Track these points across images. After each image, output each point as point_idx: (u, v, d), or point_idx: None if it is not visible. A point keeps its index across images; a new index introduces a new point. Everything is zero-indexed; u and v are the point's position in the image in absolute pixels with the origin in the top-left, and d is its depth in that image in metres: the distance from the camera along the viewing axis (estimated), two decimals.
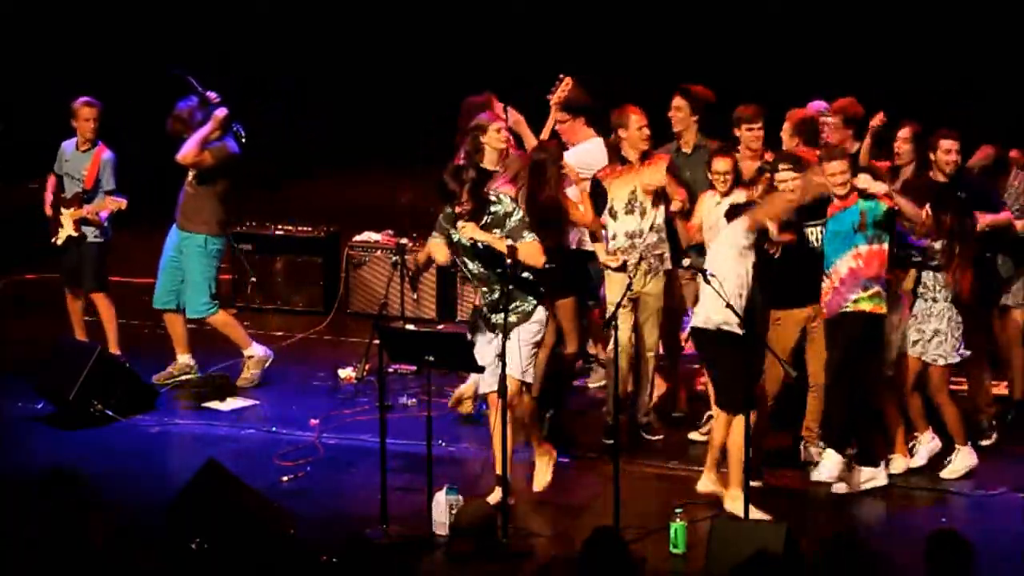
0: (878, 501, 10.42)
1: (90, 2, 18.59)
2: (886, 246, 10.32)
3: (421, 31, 18.73)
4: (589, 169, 11.34)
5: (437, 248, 10.21)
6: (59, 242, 12.62)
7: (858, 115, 11.51)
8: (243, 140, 12.34)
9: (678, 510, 9.66)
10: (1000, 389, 11.61)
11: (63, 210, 12.54)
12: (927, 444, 10.85)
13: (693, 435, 11.38)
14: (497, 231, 9.94)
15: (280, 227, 14.05)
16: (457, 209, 9.88)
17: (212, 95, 12.34)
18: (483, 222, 9.94)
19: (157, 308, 12.62)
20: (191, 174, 12.37)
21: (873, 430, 10.57)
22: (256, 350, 12.57)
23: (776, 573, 8.25)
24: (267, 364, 12.61)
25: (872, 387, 10.53)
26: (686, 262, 10.44)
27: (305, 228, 14.37)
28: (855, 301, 10.28)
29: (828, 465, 10.39)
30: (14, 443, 11.37)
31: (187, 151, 12.16)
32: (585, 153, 11.54)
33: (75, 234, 12.53)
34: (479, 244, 9.93)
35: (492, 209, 9.98)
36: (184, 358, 12.68)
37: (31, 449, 11.30)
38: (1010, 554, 9.39)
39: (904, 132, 11.18)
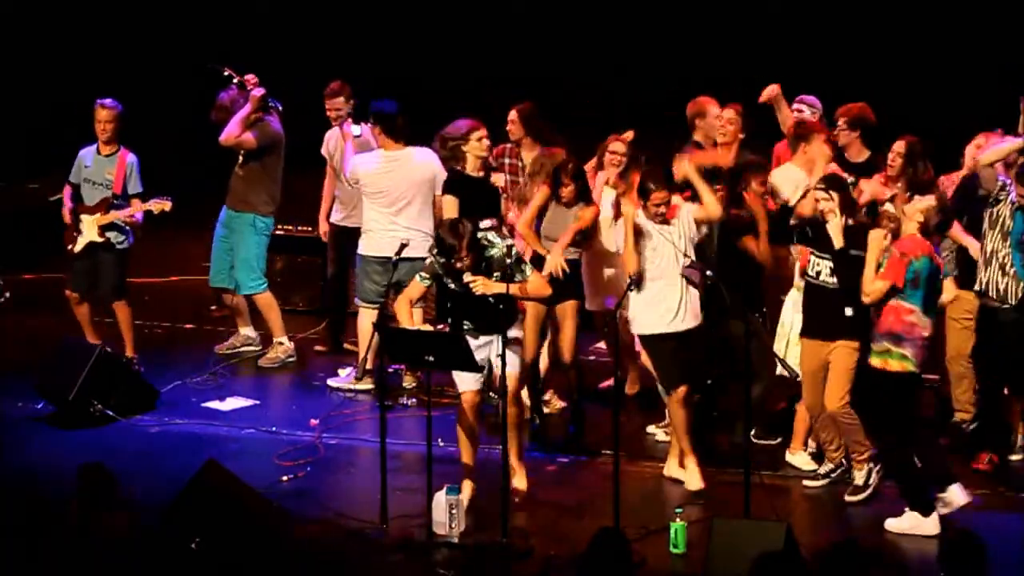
0: (878, 502, 10.41)
1: (89, 3, 18.59)
2: None
3: (421, 31, 18.73)
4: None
5: (415, 290, 10.31)
6: (77, 250, 12.60)
7: (868, 120, 11.50)
8: (280, 111, 12.71)
9: (678, 510, 9.67)
10: None
11: (83, 217, 12.53)
12: None
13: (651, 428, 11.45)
14: (497, 275, 10.02)
15: (280, 227, 14.02)
16: (458, 264, 9.94)
17: (250, 78, 12.66)
18: (481, 267, 10.02)
19: (213, 287, 13.16)
20: (240, 157, 12.68)
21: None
22: (286, 341, 12.97)
23: (776, 573, 8.25)
24: (289, 358, 12.94)
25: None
26: (687, 262, 10.45)
27: (305, 228, 14.34)
28: None
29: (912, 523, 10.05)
30: (14, 443, 11.37)
31: (228, 133, 12.55)
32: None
33: (99, 240, 12.51)
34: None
35: (488, 254, 10.06)
36: (246, 330, 13.13)
37: (31, 449, 11.30)
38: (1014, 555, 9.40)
39: (899, 145, 11.04)
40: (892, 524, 9.95)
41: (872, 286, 9.92)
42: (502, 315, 9.97)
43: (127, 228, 12.54)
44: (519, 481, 10.40)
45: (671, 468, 10.69)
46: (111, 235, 12.51)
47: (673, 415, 10.58)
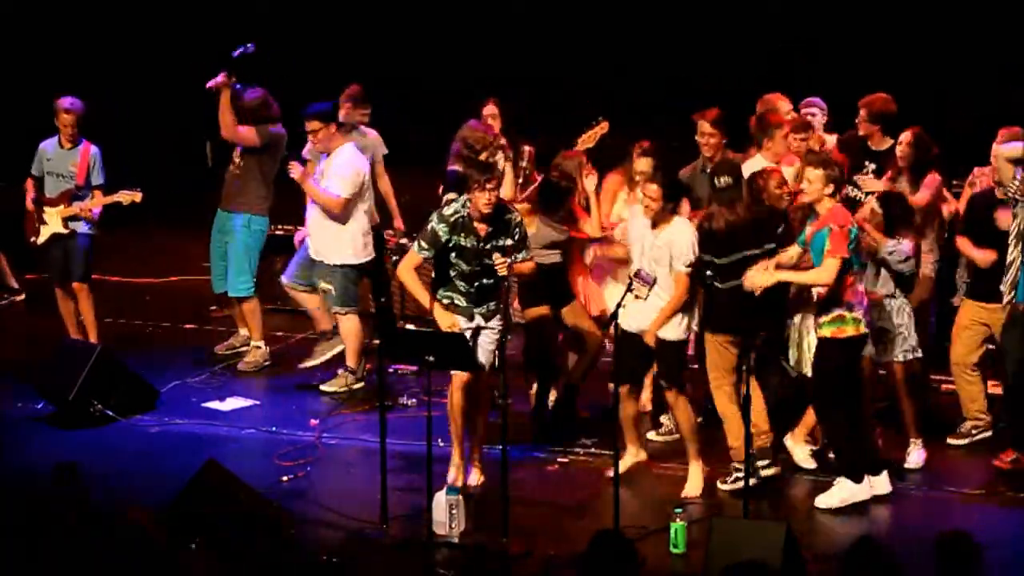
0: (879, 501, 10.40)
1: (90, 3, 18.60)
2: None
3: (420, 31, 18.74)
4: (357, 173, 12.03)
5: (414, 259, 10.35)
6: (40, 241, 12.64)
7: (888, 112, 11.50)
8: (249, 53, 12.38)
9: (678, 510, 9.67)
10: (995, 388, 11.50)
11: (47, 209, 12.57)
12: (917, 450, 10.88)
13: (651, 435, 11.33)
14: (509, 241, 10.19)
15: (280, 227, 14.03)
16: (488, 190, 9.99)
17: (220, 79, 12.53)
18: (499, 228, 10.17)
19: (217, 293, 13.10)
20: (237, 158, 12.61)
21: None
22: (263, 345, 12.91)
23: (776, 573, 8.26)
24: (265, 364, 12.87)
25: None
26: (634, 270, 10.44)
27: (305, 228, 14.34)
28: None
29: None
30: (14, 443, 11.38)
31: (223, 126, 12.39)
32: (347, 162, 12.06)
33: (64, 231, 12.55)
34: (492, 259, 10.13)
35: (506, 217, 10.22)
36: (246, 331, 13.05)
37: (31, 449, 11.30)
38: (1014, 557, 9.40)
39: (906, 136, 11.11)
40: (822, 500, 10.15)
41: (824, 273, 9.97)
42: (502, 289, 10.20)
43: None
44: (473, 477, 10.49)
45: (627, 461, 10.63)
46: (75, 225, 12.58)
47: (620, 408, 10.54)
